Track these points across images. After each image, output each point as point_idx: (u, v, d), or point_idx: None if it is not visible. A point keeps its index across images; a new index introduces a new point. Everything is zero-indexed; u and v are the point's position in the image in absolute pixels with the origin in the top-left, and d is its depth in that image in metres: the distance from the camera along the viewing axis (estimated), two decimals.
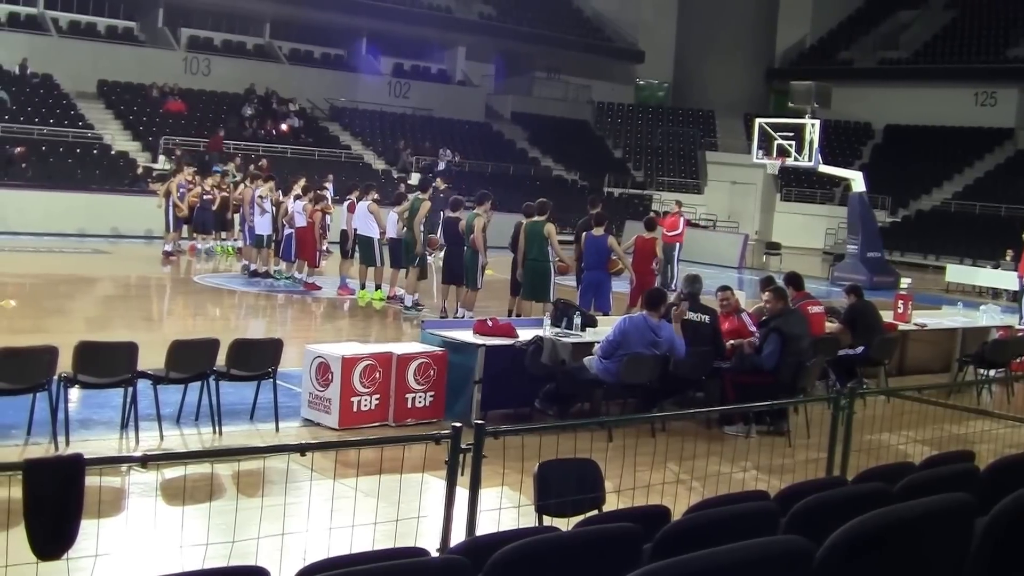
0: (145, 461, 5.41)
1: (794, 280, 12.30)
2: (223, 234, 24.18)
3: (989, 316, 15.63)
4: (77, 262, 22.62)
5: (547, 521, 5.26)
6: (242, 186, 22.47)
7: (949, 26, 46.83)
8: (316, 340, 12.32)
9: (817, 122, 27.76)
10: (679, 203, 24.11)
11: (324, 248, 20.21)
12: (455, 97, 43.30)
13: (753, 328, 11.15)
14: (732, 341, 11.11)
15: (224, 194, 23.83)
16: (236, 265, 22.00)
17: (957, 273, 29.15)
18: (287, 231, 19.18)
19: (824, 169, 29.63)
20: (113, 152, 30.24)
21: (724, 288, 11.79)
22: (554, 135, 44.19)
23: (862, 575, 3.01)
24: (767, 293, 11.35)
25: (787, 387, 10.33)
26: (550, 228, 14.98)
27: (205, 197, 23.55)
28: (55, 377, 8.49)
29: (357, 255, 18.31)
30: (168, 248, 22.94)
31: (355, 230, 18.13)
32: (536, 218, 15.14)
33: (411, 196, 17.76)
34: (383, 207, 18.28)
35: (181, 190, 23.17)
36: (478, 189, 18.27)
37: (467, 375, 10.20)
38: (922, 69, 44.81)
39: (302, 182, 20.21)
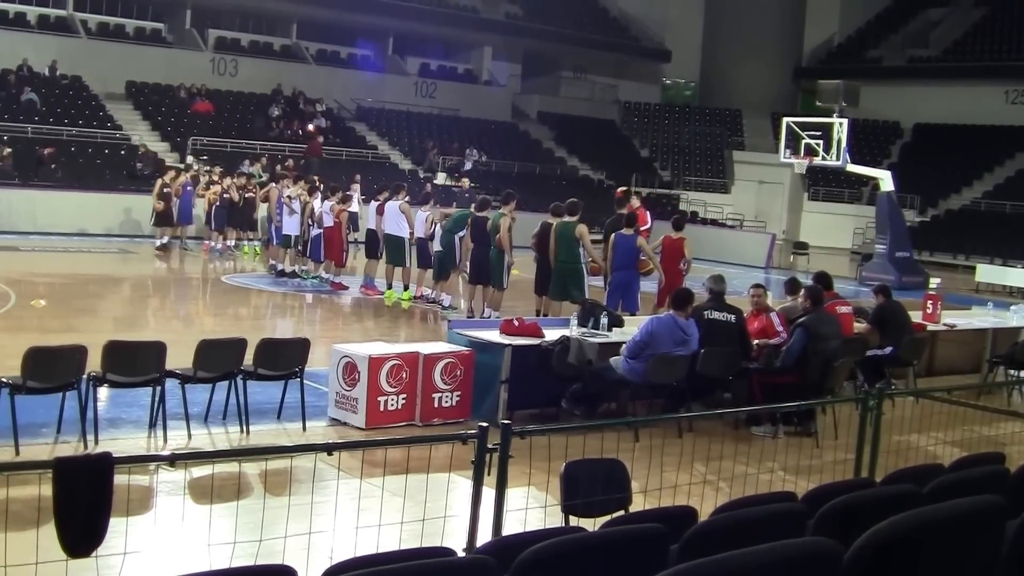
0: (173, 460, 5.45)
1: (823, 280, 12.25)
2: (249, 234, 24.35)
3: (1020, 316, 15.49)
4: (106, 262, 22.78)
5: (574, 521, 5.27)
6: (271, 185, 22.70)
7: (979, 24, 46.45)
8: (343, 340, 12.36)
9: (845, 121, 27.60)
10: (638, 194, 22.64)
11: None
12: (481, 97, 43.32)
13: (781, 328, 11.13)
14: (758, 341, 11.10)
15: (250, 194, 24.04)
16: (261, 265, 22.11)
17: (987, 273, 28.90)
18: (315, 231, 19.24)
19: (852, 168, 29.47)
20: (141, 152, 30.40)
21: (757, 286, 11.84)
22: (580, 135, 44.12)
23: None
24: (803, 292, 11.36)
25: (815, 387, 10.28)
26: (582, 229, 14.81)
27: (224, 196, 23.96)
28: (84, 376, 8.56)
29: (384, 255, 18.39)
30: (162, 241, 23.76)
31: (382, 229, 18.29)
32: (567, 219, 15.02)
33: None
34: (411, 207, 18.30)
35: (187, 188, 24.02)
36: (503, 189, 18.24)
37: (494, 375, 10.21)
38: (952, 67, 44.45)
39: (313, 179, 20.45)
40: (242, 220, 24.27)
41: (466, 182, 20.30)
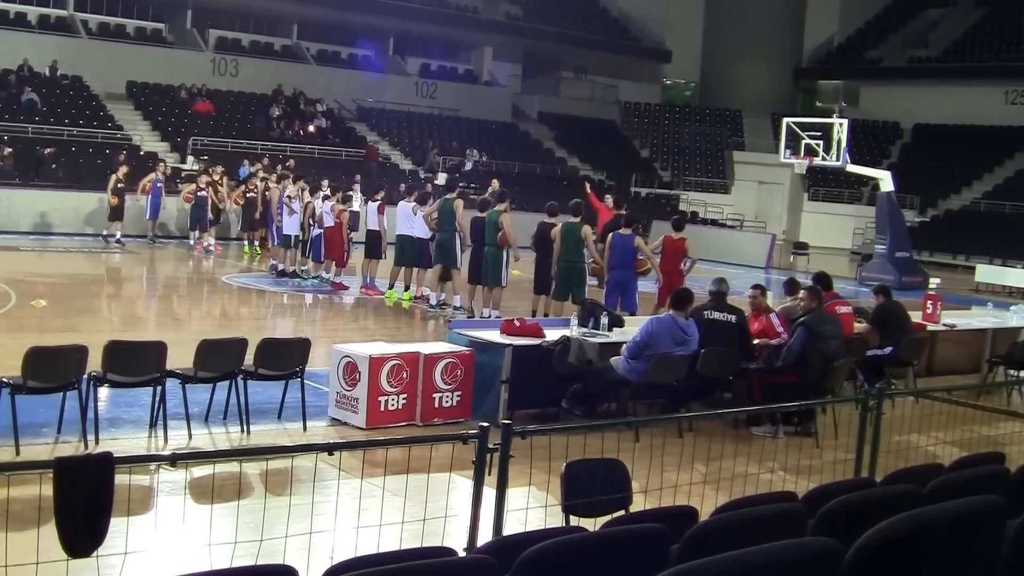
0: (174, 460, 5.43)
1: (823, 280, 12.25)
2: (252, 233, 24.47)
3: (1019, 316, 15.51)
4: (106, 262, 22.80)
5: (574, 521, 5.26)
6: (266, 184, 22.90)
7: (979, 24, 46.49)
8: (344, 340, 12.36)
9: (845, 121, 27.62)
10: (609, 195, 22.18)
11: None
12: (482, 97, 43.35)
13: (781, 329, 11.14)
14: (758, 340, 11.11)
15: (252, 194, 24.15)
16: (258, 264, 22.16)
17: (987, 273, 28.92)
18: (315, 231, 19.25)
19: (852, 168, 29.50)
20: (142, 153, 30.41)
21: (755, 286, 11.84)
22: (581, 135, 44.14)
23: None
24: (803, 292, 11.37)
25: (815, 387, 10.29)
26: (587, 230, 15.03)
27: (200, 194, 24.49)
28: (85, 376, 8.56)
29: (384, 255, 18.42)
30: (106, 232, 24.53)
31: (381, 230, 18.35)
32: (572, 219, 15.15)
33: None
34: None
35: (157, 184, 24.81)
36: (499, 188, 18.33)
37: (494, 375, 10.21)
38: (951, 68, 44.50)
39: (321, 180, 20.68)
40: (247, 221, 24.45)
41: (496, 183, 20.35)
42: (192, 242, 24.74)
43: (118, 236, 24.34)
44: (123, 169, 24.95)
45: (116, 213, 24.44)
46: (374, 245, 18.60)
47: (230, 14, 39.53)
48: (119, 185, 24.34)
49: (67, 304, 16.32)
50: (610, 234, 15.27)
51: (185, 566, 5.24)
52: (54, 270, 20.38)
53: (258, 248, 23.75)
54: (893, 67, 46.14)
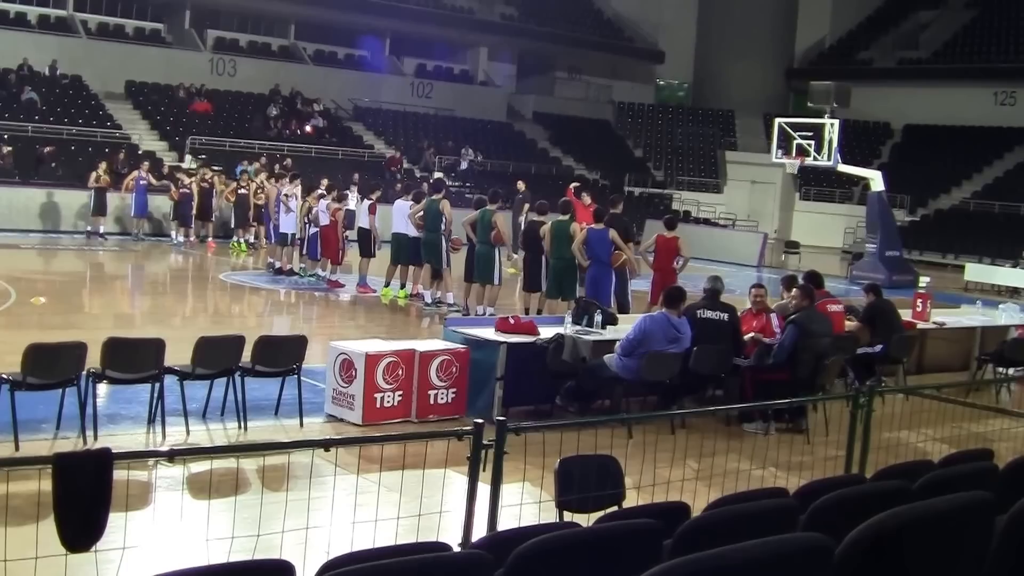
0: (172, 456, 5.48)
1: (814, 279, 12.32)
2: (244, 229, 24.66)
3: (1008, 315, 15.56)
4: (105, 259, 22.81)
5: (568, 517, 5.31)
6: (261, 184, 23.07)
7: (969, 25, 46.54)
8: (340, 337, 12.38)
9: (836, 122, 27.66)
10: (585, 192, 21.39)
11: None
12: (477, 97, 43.37)
13: (778, 329, 11.20)
14: (752, 334, 11.16)
15: (243, 191, 24.32)
16: (255, 262, 22.20)
17: (976, 272, 28.97)
18: (312, 230, 19.29)
19: (843, 168, 29.55)
20: (141, 152, 30.37)
21: (758, 286, 11.91)
22: (575, 135, 44.17)
23: (881, 573, 3.02)
24: (795, 290, 11.43)
25: (806, 385, 10.35)
26: (576, 227, 15.03)
27: (183, 191, 25.00)
28: (84, 372, 8.60)
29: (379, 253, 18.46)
30: (90, 229, 25.07)
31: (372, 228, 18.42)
32: (562, 217, 15.17)
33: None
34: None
35: (140, 182, 25.20)
36: (492, 187, 18.37)
37: (489, 372, 10.26)
38: (941, 69, 44.54)
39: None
40: (240, 218, 24.58)
41: (521, 185, 20.23)
42: (193, 238, 25.02)
43: (101, 231, 24.67)
44: (103, 165, 25.20)
45: (100, 208, 24.74)
46: (364, 243, 18.67)
47: (228, 14, 39.55)
48: (99, 180, 24.68)
49: (66, 301, 16.35)
50: (585, 229, 15.20)
51: (183, 561, 5.26)
52: (53, 268, 20.40)
53: (243, 245, 23.99)
54: (884, 68, 46.18)
